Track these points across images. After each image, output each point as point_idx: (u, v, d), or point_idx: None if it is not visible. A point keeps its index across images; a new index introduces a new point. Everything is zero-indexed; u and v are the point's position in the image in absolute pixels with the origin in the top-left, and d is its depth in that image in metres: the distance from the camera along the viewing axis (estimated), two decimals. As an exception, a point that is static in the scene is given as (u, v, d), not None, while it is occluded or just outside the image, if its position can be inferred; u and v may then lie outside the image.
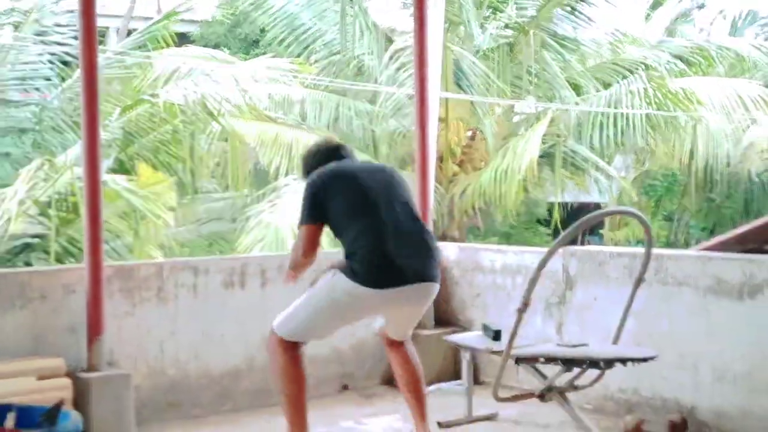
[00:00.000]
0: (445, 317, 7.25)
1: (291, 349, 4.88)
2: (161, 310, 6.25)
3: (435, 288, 4.95)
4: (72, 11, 12.35)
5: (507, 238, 19.14)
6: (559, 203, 14.90)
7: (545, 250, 5.70)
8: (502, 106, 14.75)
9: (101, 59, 8.39)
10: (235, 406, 6.41)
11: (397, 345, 5.20)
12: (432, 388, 6.71)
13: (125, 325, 6.10)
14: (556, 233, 14.83)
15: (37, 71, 12.79)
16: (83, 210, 6.06)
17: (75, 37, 10.51)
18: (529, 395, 5.67)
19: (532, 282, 5.17)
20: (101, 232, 5.93)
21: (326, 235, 5.02)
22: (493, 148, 14.16)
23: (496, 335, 5.77)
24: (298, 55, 14.76)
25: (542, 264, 5.19)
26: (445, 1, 13.32)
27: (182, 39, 17.28)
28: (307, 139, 13.83)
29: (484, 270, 7.13)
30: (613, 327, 5.65)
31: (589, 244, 16.92)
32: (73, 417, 5.00)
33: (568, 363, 5.36)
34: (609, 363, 5.31)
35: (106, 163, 10.48)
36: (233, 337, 6.46)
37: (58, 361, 5.76)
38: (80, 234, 9.34)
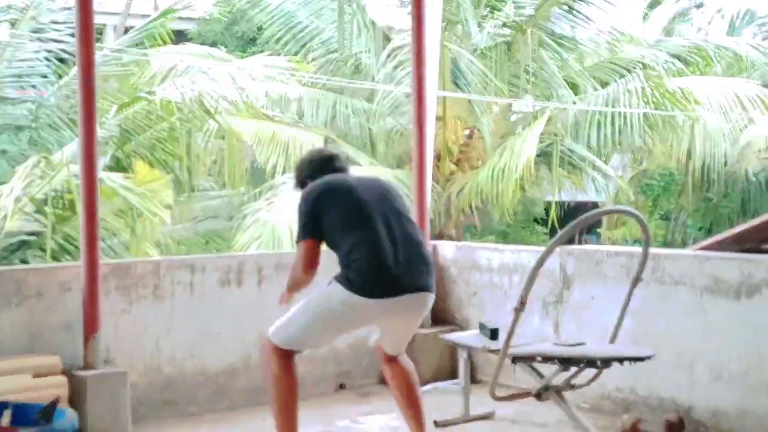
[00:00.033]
0: (442, 316, 7.24)
1: (285, 357, 4.84)
2: (158, 308, 6.24)
3: (431, 298, 4.91)
4: (69, 8, 12.34)
5: (504, 237, 19.13)
6: (556, 202, 14.90)
7: (542, 249, 5.69)
8: (500, 104, 14.74)
9: (98, 56, 8.36)
10: (231, 404, 6.40)
11: (392, 360, 5.15)
12: (428, 387, 6.71)
13: (121, 322, 6.10)
14: (553, 232, 14.84)
15: (34, 68, 12.75)
16: (80, 207, 6.05)
17: (72, 35, 10.47)
18: (526, 394, 5.66)
19: (530, 281, 5.16)
20: (98, 230, 5.92)
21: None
22: (490, 147, 14.15)
23: (493, 334, 5.76)
24: (296, 53, 14.73)
25: (540, 263, 5.18)
26: (442, 0, 13.30)
27: (179, 37, 17.24)
28: (304, 137, 13.86)
29: (481, 269, 7.12)
30: (610, 326, 5.64)
31: (586, 243, 16.94)
32: (69, 414, 5.00)
33: (565, 362, 5.35)
34: (606, 362, 5.31)
35: (102, 161, 10.45)
36: (230, 335, 6.46)
37: (54, 358, 5.76)
38: (77, 231, 9.34)
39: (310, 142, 13.86)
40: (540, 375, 5.57)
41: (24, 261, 10.23)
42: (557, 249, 5.71)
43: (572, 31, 15.23)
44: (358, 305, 4.70)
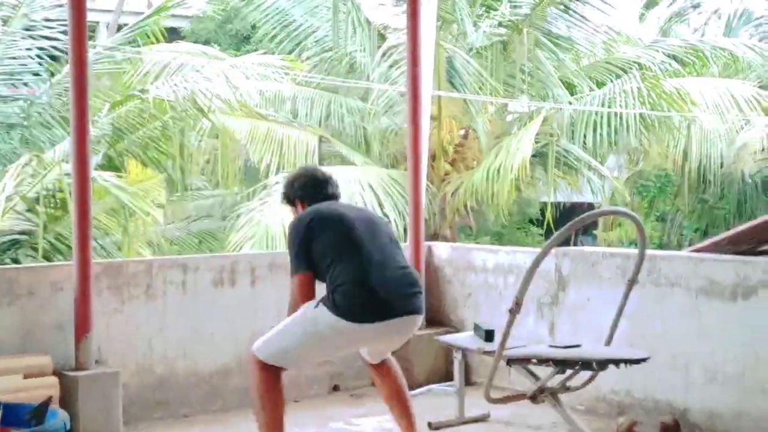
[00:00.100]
0: (436, 317, 7.21)
1: (270, 371, 4.79)
2: (150, 308, 6.21)
3: (419, 320, 4.88)
4: (61, 6, 12.28)
5: (499, 238, 19.11)
6: (551, 203, 14.87)
7: (537, 250, 5.66)
8: (495, 104, 14.71)
9: (91, 54, 8.32)
10: (224, 405, 6.37)
11: (378, 364, 5.12)
12: (423, 389, 6.70)
13: (113, 322, 6.07)
14: (548, 233, 14.80)
15: (26, 66, 12.69)
16: (72, 206, 6.02)
17: (64, 32, 10.41)
18: (521, 396, 5.64)
19: (525, 282, 5.13)
20: (90, 229, 5.90)
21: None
22: (485, 147, 14.11)
23: (488, 335, 5.73)
24: (290, 52, 14.69)
25: (535, 264, 5.15)
26: (438, -1, 13.28)
27: (173, 34, 17.20)
28: (299, 137, 13.82)
29: (476, 269, 7.10)
30: (606, 328, 5.62)
31: (582, 244, 16.93)
32: (61, 415, 4.96)
33: (561, 364, 5.32)
34: (602, 364, 5.28)
35: (95, 160, 10.41)
36: (223, 336, 6.43)
37: (46, 358, 5.73)
38: (68, 231, 9.29)
39: (304, 141, 13.84)
40: (535, 377, 5.54)
41: (15, 260, 10.18)
42: (553, 250, 5.68)
43: (568, 31, 15.19)
44: (345, 330, 4.66)
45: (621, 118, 13.65)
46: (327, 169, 5.43)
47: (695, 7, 22.81)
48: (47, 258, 9.97)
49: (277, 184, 12.53)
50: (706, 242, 7.90)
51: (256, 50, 15.96)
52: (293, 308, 4.84)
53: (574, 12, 15.01)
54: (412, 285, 4.82)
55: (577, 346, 5.52)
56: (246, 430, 5.87)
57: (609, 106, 13.80)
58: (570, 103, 14.46)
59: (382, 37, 14.58)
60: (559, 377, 5.48)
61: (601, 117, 13.79)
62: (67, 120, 10.63)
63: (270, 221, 12.11)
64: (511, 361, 5.41)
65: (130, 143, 11.66)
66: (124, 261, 7.16)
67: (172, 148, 12.09)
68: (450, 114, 14.13)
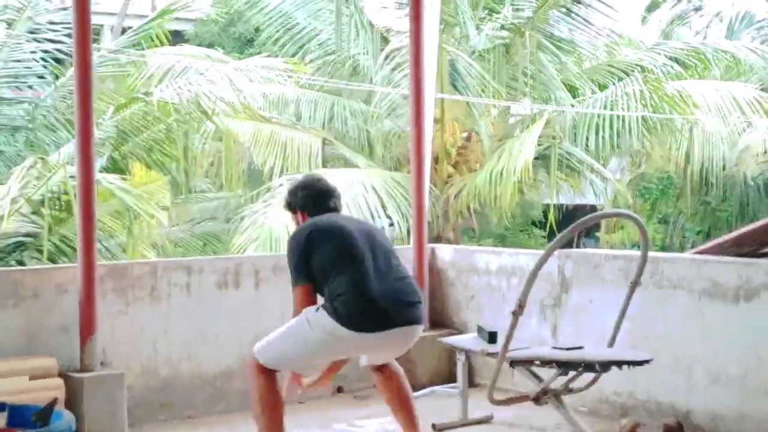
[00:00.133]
0: (440, 319, 7.23)
1: (268, 374, 4.82)
2: (154, 310, 6.23)
3: (419, 330, 4.89)
4: (66, 9, 12.32)
5: (502, 240, 19.13)
6: (554, 205, 14.87)
7: (540, 252, 5.68)
8: (498, 107, 14.72)
9: (95, 57, 8.35)
10: (228, 406, 6.38)
11: (380, 367, 5.13)
12: (426, 390, 6.72)
13: (118, 324, 6.08)
14: (551, 235, 14.80)
15: (31, 69, 12.73)
16: (76, 209, 6.04)
17: (69, 35, 10.42)
18: (525, 398, 5.66)
19: (528, 284, 5.15)
20: (94, 231, 5.92)
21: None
22: (488, 150, 14.12)
23: (492, 337, 5.75)
24: (293, 55, 14.71)
25: (538, 266, 5.17)
26: (440, 2, 13.28)
27: (176, 37, 17.23)
28: (302, 139, 13.84)
29: (479, 272, 7.11)
30: (609, 330, 5.64)
31: (584, 246, 16.92)
32: (66, 416, 4.97)
33: (564, 366, 5.34)
34: (605, 366, 5.30)
35: (99, 162, 10.43)
36: (227, 338, 6.44)
37: (51, 360, 5.74)
38: (73, 233, 9.31)
39: (307, 143, 13.87)
40: (538, 379, 5.56)
41: (21, 262, 10.19)
42: (555, 252, 5.70)
43: (571, 34, 15.20)
44: (345, 337, 4.68)
45: (623, 120, 13.65)
46: (331, 175, 5.46)
47: (697, 9, 22.83)
48: (52, 260, 10.00)
49: (280, 187, 12.54)
50: (709, 244, 7.91)
51: (259, 53, 16.00)
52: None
53: (576, 15, 15.02)
54: (412, 295, 4.83)
55: (580, 348, 5.54)
56: (249, 431, 5.90)
57: (611, 109, 13.81)
58: (572, 106, 14.47)
59: (385, 40, 14.60)
60: (562, 379, 5.50)
61: (604, 119, 13.80)
62: (71, 123, 10.66)
63: (274, 224, 12.12)
64: (514, 363, 5.43)
65: (134, 146, 11.68)
66: (129, 263, 7.17)
67: (176, 150, 12.11)
68: (453, 117, 14.15)
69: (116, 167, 11.39)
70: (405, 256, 7.09)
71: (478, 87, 14.05)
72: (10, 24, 12.65)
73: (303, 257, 4.80)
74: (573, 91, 14.93)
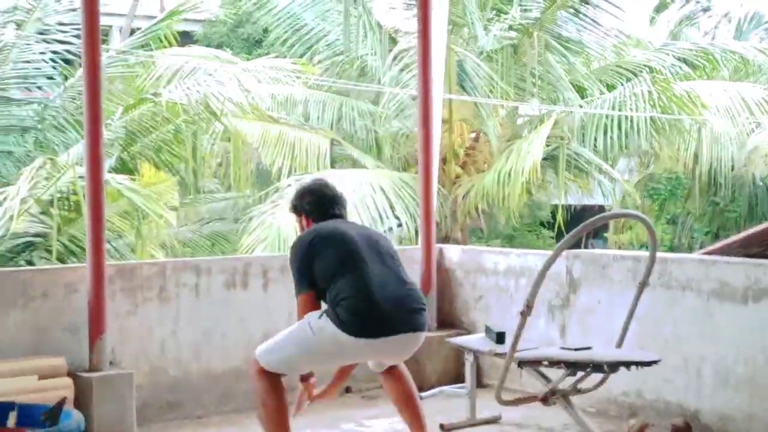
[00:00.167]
0: (448, 319, 7.23)
1: (271, 377, 4.82)
2: (163, 310, 6.24)
3: (422, 337, 4.88)
4: (75, 10, 12.34)
5: (510, 241, 19.12)
6: (562, 206, 14.87)
7: (548, 252, 5.68)
8: (506, 107, 14.72)
9: (104, 58, 8.36)
10: (237, 406, 6.38)
11: (385, 369, 5.14)
12: (435, 390, 6.72)
13: (127, 324, 6.10)
14: (559, 236, 14.80)
15: (40, 70, 12.78)
16: (85, 209, 6.06)
17: (78, 36, 10.48)
18: (533, 398, 5.65)
19: (536, 285, 5.15)
20: (103, 232, 5.94)
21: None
22: (496, 150, 14.13)
23: (500, 338, 5.75)
24: (301, 56, 14.73)
25: (546, 266, 5.17)
26: (449, 3, 13.28)
27: (185, 38, 17.26)
28: (310, 140, 13.85)
29: (487, 272, 7.11)
30: (617, 330, 5.63)
31: (592, 247, 16.91)
32: (75, 416, 4.98)
33: (572, 366, 5.34)
34: (613, 366, 5.30)
35: (108, 163, 10.46)
36: (235, 338, 6.45)
37: (60, 360, 5.76)
38: (82, 233, 9.34)
39: (315, 144, 13.88)
40: (546, 379, 5.56)
41: (30, 262, 10.23)
42: (564, 253, 5.70)
43: (579, 35, 15.19)
44: (347, 343, 4.67)
45: (631, 121, 13.64)
46: (339, 175, 5.46)
47: (705, 10, 22.80)
48: (61, 260, 10.03)
49: (289, 187, 12.57)
50: (717, 245, 7.92)
51: (267, 54, 16.02)
52: None
53: (585, 15, 15.01)
54: (415, 302, 4.82)
55: (588, 348, 5.54)
56: (258, 431, 5.92)
57: (619, 110, 13.80)
58: (580, 107, 14.46)
59: (393, 41, 14.61)
60: (571, 379, 5.50)
61: (612, 120, 13.79)
62: (80, 123, 10.68)
63: (282, 224, 12.13)
64: (522, 363, 5.43)
65: (143, 146, 11.71)
66: (138, 263, 7.18)
67: (184, 151, 12.14)
68: (461, 117, 14.15)
69: (125, 168, 11.42)
70: (413, 256, 7.13)
71: (486, 87, 14.06)
72: (19, 25, 12.69)
73: (305, 264, 4.80)
74: (581, 91, 14.92)
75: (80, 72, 9.90)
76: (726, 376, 5.72)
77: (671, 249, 18.24)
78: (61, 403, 4.94)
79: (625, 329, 5.60)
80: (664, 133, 14.47)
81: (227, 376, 6.43)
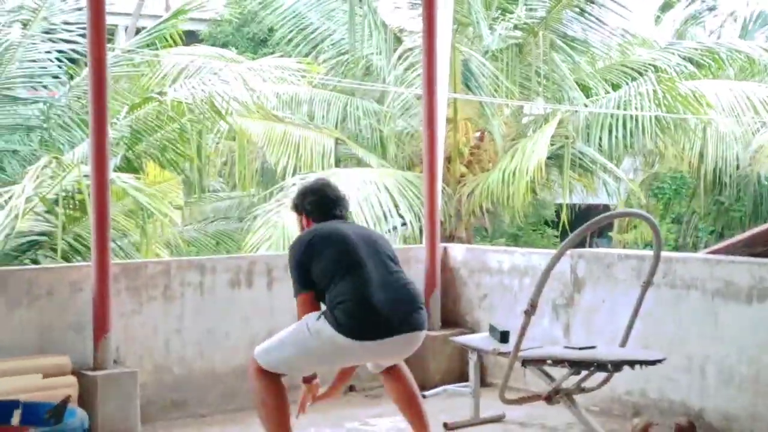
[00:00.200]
0: (452, 318, 7.24)
1: (270, 377, 4.83)
2: (167, 309, 6.25)
3: (421, 336, 4.88)
4: (80, 9, 12.36)
5: (514, 240, 19.12)
6: (566, 205, 14.86)
7: (553, 251, 5.68)
8: (511, 107, 14.71)
9: (109, 57, 8.36)
10: (240, 405, 6.38)
11: (387, 368, 5.14)
12: (438, 389, 6.73)
13: (132, 323, 6.11)
14: (563, 235, 14.78)
15: (46, 69, 12.79)
16: (90, 208, 6.07)
17: (83, 35, 10.48)
18: (537, 397, 5.66)
19: (540, 284, 5.15)
20: (108, 230, 5.94)
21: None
22: (501, 149, 14.13)
23: (504, 337, 5.75)
24: (306, 55, 14.74)
25: (551, 266, 5.17)
26: (454, 2, 13.28)
27: (190, 38, 17.28)
28: (315, 139, 13.86)
29: (491, 271, 7.11)
30: (621, 329, 5.63)
31: (597, 246, 16.90)
32: (79, 414, 5.00)
33: (576, 365, 5.34)
34: (617, 366, 5.30)
35: (113, 161, 10.46)
36: (239, 336, 6.46)
37: (64, 358, 5.77)
38: (87, 232, 9.35)
39: (320, 143, 13.89)
40: (550, 378, 5.56)
41: (35, 261, 10.24)
42: (568, 252, 5.70)
43: (584, 34, 15.18)
44: (346, 345, 4.68)
45: (636, 120, 13.63)
46: (344, 174, 5.46)
47: (711, 9, 22.77)
48: (66, 259, 10.04)
49: (293, 186, 12.58)
50: (722, 244, 7.92)
51: (273, 53, 16.03)
52: None
53: (590, 15, 14.99)
54: (414, 301, 4.83)
55: (592, 347, 5.54)
56: (262, 430, 5.92)
57: (624, 109, 13.79)
58: (585, 106, 14.45)
59: (398, 40, 14.61)
60: (574, 378, 5.50)
61: (617, 119, 13.78)
62: (86, 122, 10.69)
63: (287, 223, 12.12)
64: (526, 362, 5.43)
65: (148, 145, 11.71)
66: (143, 262, 7.20)
67: (189, 150, 12.14)
68: (465, 116, 14.15)
69: (130, 166, 11.43)
70: (417, 255, 7.14)
71: (491, 87, 14.05)
72: (25, 24, 12.72)
73: (304, 264, 4.81)
74: (586, 90, 14.92)
75: (86, 71, 9.87)
76: (730, 375, 5.72)
77: (676, 248, 18.23)
78: (66, 401, 4.96)
79: (629, 328, 5.60)
80: (669, 133, 14.46)
81: (231, 375, 6.44)
